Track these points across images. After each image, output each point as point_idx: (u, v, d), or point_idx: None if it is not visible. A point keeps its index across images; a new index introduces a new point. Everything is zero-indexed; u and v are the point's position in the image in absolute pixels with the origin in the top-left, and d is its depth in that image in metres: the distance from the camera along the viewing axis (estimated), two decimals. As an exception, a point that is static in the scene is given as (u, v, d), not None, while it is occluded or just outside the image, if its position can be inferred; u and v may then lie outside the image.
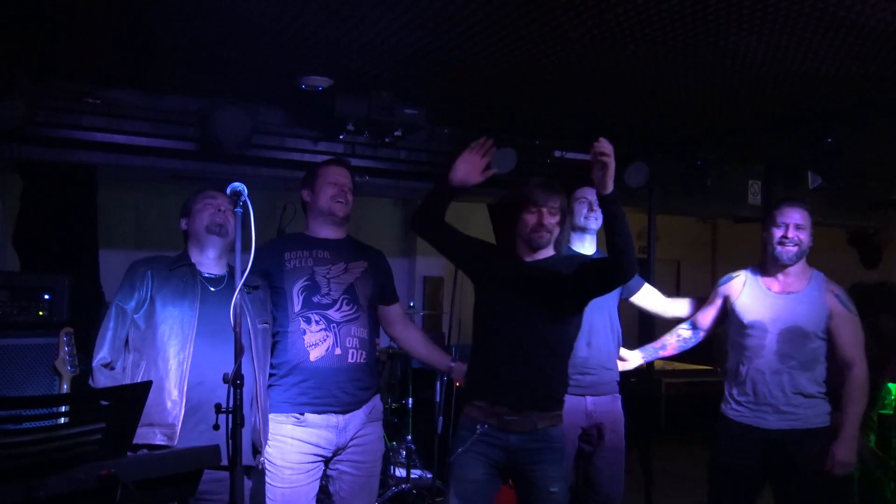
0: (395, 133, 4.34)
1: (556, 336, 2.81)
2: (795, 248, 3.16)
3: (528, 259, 2.87)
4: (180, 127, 4.17)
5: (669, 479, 5.63)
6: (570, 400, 3.09)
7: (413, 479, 4.84)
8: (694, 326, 3.55)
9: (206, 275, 2.76)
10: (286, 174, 4.55)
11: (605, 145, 2.49)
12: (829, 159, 4.96)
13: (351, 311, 2.92)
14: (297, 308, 2.86)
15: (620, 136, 5.09)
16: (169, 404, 2.55)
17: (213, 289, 2.73)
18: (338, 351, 2.85)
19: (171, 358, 2.58)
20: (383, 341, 5.74)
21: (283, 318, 2.87)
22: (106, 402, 1.81)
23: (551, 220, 2.80)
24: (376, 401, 3.04)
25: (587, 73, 3.71)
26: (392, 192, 6.34)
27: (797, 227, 3.16)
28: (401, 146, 4.71)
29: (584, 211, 3.45)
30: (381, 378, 5.15)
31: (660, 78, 3.78)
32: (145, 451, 2.37)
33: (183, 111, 4.16)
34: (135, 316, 2.63)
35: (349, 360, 2.87)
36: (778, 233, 3.18)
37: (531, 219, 2.79)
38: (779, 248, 3.18)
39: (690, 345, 3.59)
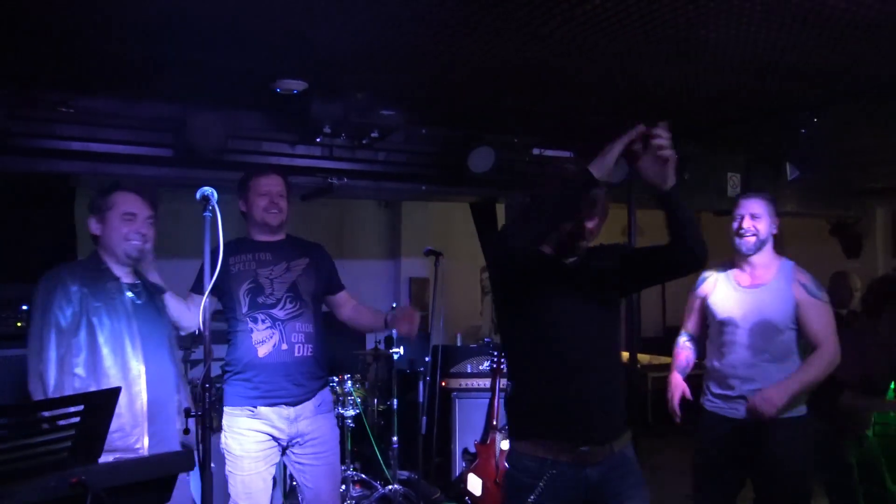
0: (373, 134, 4.34)
1: (617, 338, 2.44)
2: (753, 238, 3.22)
3: (569, 261, 2.40)
4: (157, 133, 4.16)
5: (657, 472, 5.65)
6: None
7: (400, 479, 4.85)
8: (691, 337, 3.59)
9: (126, 283, 2.68)
10: (264, 178, 4.55)
11: (663, 132, 2.12)
12: (807, 150, 5.00)
13: (294, 308, 3.10)
14: (244, 310, 3.05)
15: (597, 131, 5.12)
16: (130, 429, 2.52)
17: (138, 301, 2.67)
18: (284, 346, 3.05)
19: (124, 383, 2.50)
20: (369, 343, 5.78)
21: (232, 319, 3.08)
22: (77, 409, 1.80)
23: (590, 224, 2.35)
24: (325, 393, 3.22)
25: (560, 70, 3.72)
26: (373, 194, 6.34)
27: (752, 216, 3.22)
28: (379, 147, 4.72)
29: None
30: (367, 380, 5.15)
31: (633, 72, 3.80)
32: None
33: (159, 118, 4.15)
34: (73, 340, 2.50)
35: (296, 353, 3.06)
36: (735, 224, 3.26)
37: (566, 226, 2.33)
38: (737, 239, 3.26)
39: (697, 353, 3.60)
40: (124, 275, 2.69)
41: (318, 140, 4.44)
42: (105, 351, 2.52)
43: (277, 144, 4.50)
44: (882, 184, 6.67)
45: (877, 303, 3.94)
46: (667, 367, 7.10)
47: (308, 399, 3.09)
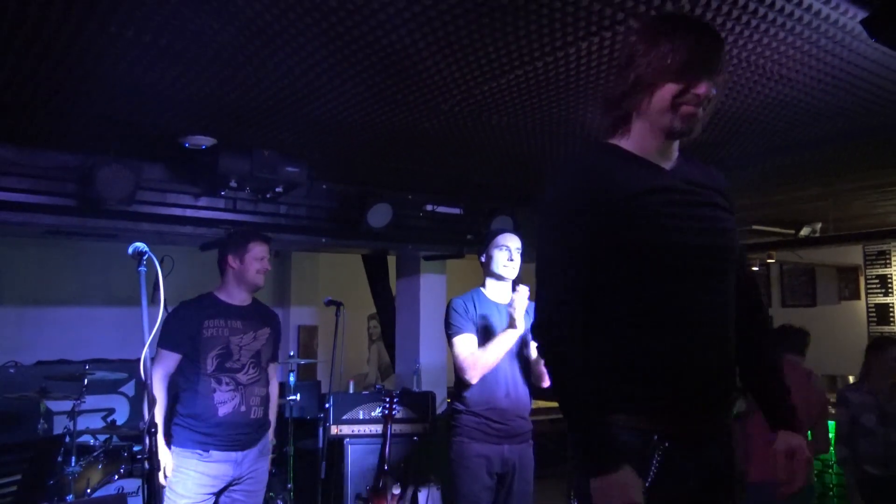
0: (277, 189, 4.51)
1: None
2: None
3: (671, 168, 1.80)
4: (59, 183, 4.17)
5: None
6: (487, 448, 3.26)
7: (294, 527, 4.91)
8: None
9: None
10: (166, 228, 4.61)
11: None
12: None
13: (255, 374, 3.43)
14: (209, 370, 3.31)
15: (487, 191, 5.52)
16: None
17: None
18: (243, 409, 3.34)
19: None
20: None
21: (194, 374, 3.30)
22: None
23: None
24: (266, 439, 3.55)
25: (457, 138, 4.06)
26: (274, 246, 6.43)
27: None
28: (281, 201, 4.88)
29: (504, 259, 3.46)
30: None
31: (521, 143, 4.18)
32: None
33: (63, 167, 4.16)
34: None
35: (251, 416, 3.37)
36: None
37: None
38: None
39: None
40: None
41: (222, 193, 4.56)
42: None
43: (182, 196, 4.59)
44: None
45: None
46: (543, 411, 7.50)
47: (253, 446, 3.38)
